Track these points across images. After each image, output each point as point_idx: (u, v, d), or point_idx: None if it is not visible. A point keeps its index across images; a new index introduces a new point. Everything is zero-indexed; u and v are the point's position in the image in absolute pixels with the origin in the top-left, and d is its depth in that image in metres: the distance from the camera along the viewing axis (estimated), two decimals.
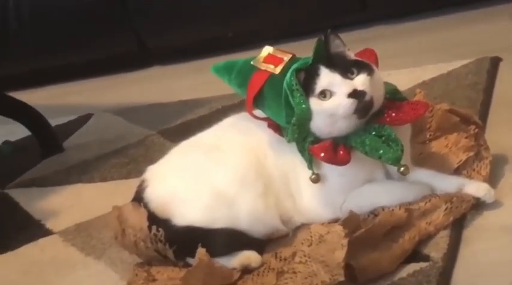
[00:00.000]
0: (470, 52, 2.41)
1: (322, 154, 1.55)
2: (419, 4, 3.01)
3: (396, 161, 1.53)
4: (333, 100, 1.54)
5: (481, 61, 2.30)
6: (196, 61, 3.22)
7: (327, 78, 1.55)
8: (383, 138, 1.54)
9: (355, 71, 1.55)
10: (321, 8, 3.08)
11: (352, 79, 1.55)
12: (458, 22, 2.82)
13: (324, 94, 1.55)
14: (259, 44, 2.94)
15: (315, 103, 1.55)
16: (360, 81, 1.54)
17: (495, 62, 2.29)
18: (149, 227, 1.62)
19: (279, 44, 2.95)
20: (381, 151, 1.53)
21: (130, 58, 3.37)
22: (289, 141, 1.61)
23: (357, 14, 3.07)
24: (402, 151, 1.52)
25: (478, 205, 1.58)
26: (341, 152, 1.55)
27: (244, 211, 1.61)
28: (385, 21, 3.02)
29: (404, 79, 2.30)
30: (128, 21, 3.24)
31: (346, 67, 1.55)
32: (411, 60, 2.53)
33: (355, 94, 1.52)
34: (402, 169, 1.54)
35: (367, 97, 1.53)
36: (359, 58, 1.61)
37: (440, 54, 2.53)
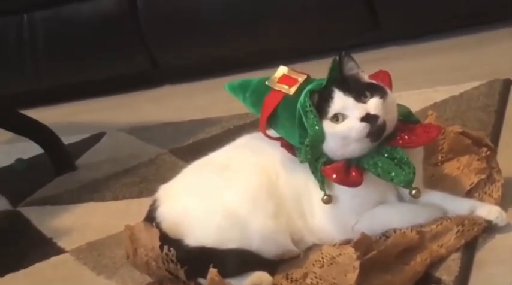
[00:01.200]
0: (482, 74, 2.41)
1: (334, 176, 1.56)
2: (431, 25, 3.01)
3: (408, 184, 1.54)
4: (346, 124, 1.55)
5: (492, 83, 2.30)
6: (207, 80, 3.23)
7: (340, 101, 1.56)
8: (395, 161, 1.55)
9: (368, 94, 1.56)
10: (333, 27, 3.08)
11: (365, 102, 1.55)
12: (470, 43, 2.82)
13: (336, 118, 1.56)
14: (270, 64, 2.97)
15: (328, 125, 1.56)
16: (373, 104, 1.55)
17: (507, 84, 2.28)
18: (161, 247, 1.63)
19: (290, 63, 2.94)
20: (393, 174, 1.54)
21: (143, 77, 3.38)
22: (301, 161, 1.62)
23: (369, 34, 3.07)
24: (414, 174, 1.53)
25: (489, 228, 1.58)
26: (353, 173, 1.56)
27: (256, 232, 1.62)
28: (397, 42, 3.02)
29: (415, 100, 2.30)
30: (140, 40, 3.25)
31: (359, 91, 1.56)
32: (423, 81, 2.53)
33: (367, 118, 1.53)
34: (414, 192, 1.55)
35: (379, 121, 1.54)
36: (373, 81, 1.61)
37: (452, 76, 2.53)
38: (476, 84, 2.34)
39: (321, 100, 1.58)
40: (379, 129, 1.54)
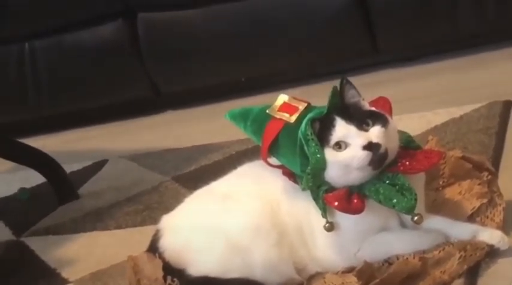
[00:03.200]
0: (482, 95, 2.41)
1: (336, 203, 1.56)
2: (430, 47, 3.02)
3: (410, 211, 1.54)
4: (348, 152, 1.55)
5: (492, 105, 2.31)
6: (209, 105, 3.24)
7: (342, 129, 1.56)
8: (397, 187, 1.55)
9: (370, 122, 1.56)
10: (332, 51, 3.10)
11: (367, 130, 1.56)
12: (469, 65, 2.83)
13: (339, 146, 1.56)
14: (271, 88, 3.02)
15: (329, 154, 1.56)
16: (375, 133, 1.55)
17: (507, 106, 2.29)
18: (164, 278, 1.63)
19: (291, 87, 3.02)
20: (395, 200, 1.54)
21: (144, 103, 3.38)
22: (303, 189, 1.62)
23: (368, 58, 3.08)
24: (416, 200, 1.53)
25: (492, 253, 1.57)
26: (355, 200, 1.56)
27: (259, 261, 1.61)
28: (396, 64, 3.03)
29: (415, 124, 2.32)
30: (141, 67, 3.26)
31: (361, 119, 1.57)
32: (422, 104, 2.53)
33: (370, 146, 1.54)
34: (416, 218, 1.55)
35: (381, 150, 1.54)
36: (374, 109, 1.62)
37: (452, 98, 2.54)
38: (476, 106, 2.34)
39: (322, 128, 1.58)
40: (381, 157, 1.55)
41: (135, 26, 3.23)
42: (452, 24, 2.91)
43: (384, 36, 3.00)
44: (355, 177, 1.57)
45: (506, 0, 2.81)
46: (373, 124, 1.56)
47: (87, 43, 3.30)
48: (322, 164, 1.57)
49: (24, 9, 3.27)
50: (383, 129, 1.56)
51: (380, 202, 1.56)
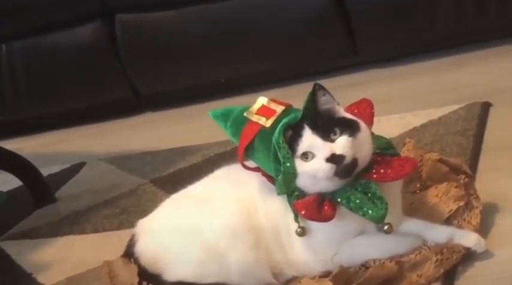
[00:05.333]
0: (461, 96, 2.42)
1: (303, 212, 1.55)
2: (409, 48, 3.02)
3: (380, 220, 1.53)
4: (313, 163, 1.54)
5: (471, 106, 2.31)
6: (188, 107, 3.23)
7: (308, 140, 1.55)
8: (369, 195, 1.54)
9: (338, 132, 1.55)
10: (312, 52, 3.09)
11: (333, 141, 1.54)
12: (449, 66, 2.83)
13: (306, 156, 1.55)
14: (251, 89, 3.01)
15: (298, 163, 1.56)
16: (341, 144, 1.54)
17: (485, 108, 2.29)
18: (139, 283, 1.62)
19: (271, 88, 3.01)
20: (365, 209, 1.53)
21: (123, 105, 3.37)
22: (278, 194, 1.61)
23: (348, 59, 3.08)
24: (386, 209, 1.52)
25: (469, 255, 1.57)
26: (326, 207, 1.55)
27: (235, 265, 1.61)
28: (376, 65, 3.03)
29: (395, 125, 2.32)
30: (119, 68, 3.24)
31: (329, 128, 1.55)
32: (402, 105, 2.53)
33: (332, 159, 1.52)
34: (386, 227, 1.54)
35: (346, 161, 1.52)
36: (346, 116, 1.60)
37: (431, 99, 2.54)
38: (455, 107, 2.34)
39: (293, 137, 1.57)
40: (347, 168, 1.53)
41: (113, 27, 3.21)
42: (431, 25, 2.91)
43: (363, 37, 3.00)
44: (323, 186, 1.56)
45: (484, 1, 2.81)
46: (341, 134, 1.55)
47: (65, 44, 3.28)
48: (292, 173, 1.56)
49: (1, 10, 3.24)
50: (350, 139, 1.54)
51: (351, 209, 1.55)
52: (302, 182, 1.57)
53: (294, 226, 1.60)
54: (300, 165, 1.55)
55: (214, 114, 1.74)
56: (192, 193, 1.76)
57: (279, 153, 1.57)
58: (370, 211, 1.52)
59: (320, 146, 1.54)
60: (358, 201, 1.53)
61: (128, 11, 3.20)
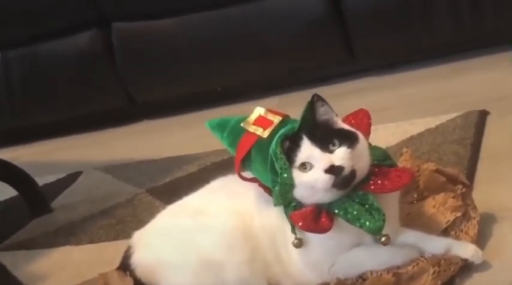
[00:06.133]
0: (458, 104, 2.41)
1: (300, 223, 1.54)
2: (406, 56, 3.02)
3: (377, 231, 1.52)
4: (312, 174, 1.53)
5: (468, 115, 2.30)
6: (185, 115, 3.23)
7: (307, 150, 1.54)
8: (366, 206, 1.53)
9: (336, 143, 1.54)
10: (309, 60, 3.08)
11: (332, 152, 1.53)
12: (446, 73, 2.83)
13: (305, 166, 1.54)
14: (248, 97, 3.01)
15: (296, 174, 1.55)
16: (340, 155, 1.53)
17: (483, 116, 2.29)
18: None
19: (268, 97, 3.00)
20: (362, 220, 1.52)
21: (119, 113, 3.36)
22: (275, 205, 1.60)
23: (345, 66, 3.07)
24: (384, 221, 1.51)
25: (466, 267, 1.57)
26: (323, 219, 1.54)
27: (232, 277, 1.60)
28: (373, 73, 3.03)
29: (392, 133, 2.32)
30: (115, 76, 3.24)
31: (328, 139, 1.54)
32: (399, 113, 2.52)
33: (331, 170, 1.51)
34: (383, 239, 1.54)
35: (345, 172, 1.52)
36: (345, 127, 1.59)
37: (428, 107, 2.53)
38: (452, 115, 2.34)
39: (290, 148, 1.56)
40: (346, 179, 1.52)
41: (109, 35, 3.21)
42: (428, 32, 2.91)
43: (361, 44, 2.99)
44: (321, 197, 1.55)
45: (481, 9, 2.81)
46: (340, 145, 1.54)
47: (61, 52, 3.27)
48: (289, 184, 1.55)
49: None
50: (349, 150, 1.53)
51: (348, 221, 1.54)
52: (299, 193, 1.56)
53: (291, 237, 1.59)
54: (298, 176, 1.54)
55: (210, 124, 1.73)
56: (188, 204, 1.75)
57: (276, 164, 1.56)
58: (367, 223, 1.51)
59: (319, 157, 1.53)
60: (355, 212, 1.52)
61: (124, 19, 3.19)
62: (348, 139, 1.55)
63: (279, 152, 1.55)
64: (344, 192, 1.54)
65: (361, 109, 1.68)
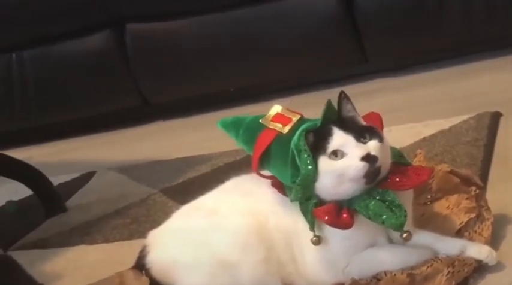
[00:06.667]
0: (471, 106, 2.42)
1: (326, 217, 1.54)
2: (419, 57, 3.03)
3: (399, 227, 1.53)
4: (345, 161, 1.54)
5: (481, 116, 2.31)
6: (198, 116, 3.24)
7: (340, 138, 1.55)
8: (386, 203, 1.54)
9: (367, 136, 1.56)
10: (321, 61, 3.09)
11: (364, 143, 1.55)
12: (459, 75, 2.83)
13: (335, 154, 1.55)
14: (261, 98, 3.02)
15: (325, 162, 1.55)
16: (373, 146, 1.54)
17: (496, 117, 2.29)
18: None
19: (280, 97, 3.01)
20: (384, 216, 1.53)
21: (132, 113, 3.38)
22: (292, 200, 1.61)
23: (357, 68, 3.08)
24: (405, 216, 1.52)
25: (480, 268, 1.57)
26: (344, 215, 1.55)
27: (246, 277, 1.61)
28: (385, 75, 3.03)
29: (405, 135, 2.32)
30: (129, 77, 3.25)
31: (359, 131, 1.56)
32: (412, 115, 2.53)
33: (367, 158, 1.52)
34: (405, 235, 1.55)
35: (378, 163, 1.53)
36: (370, 125, 1.61)
37: (441, 108, 2.54)
38: (465, 117, 2.34)
39: (317, 139, 1.56)
40: (376, 171, 1.54)
41: (123, 36, 3.22)
42: (440, 34, 2.91)
43: (373, 45, 3.00)
44: (346, 189, 1.55)
45: (493, 10, 2.81)
46: (370, 138, 1.56)
47: (75, 53, 3.29)
48: (312, 176, 1.56)
49: (12, 19, 3.26)
50: (379, 144, 1.55)
51: (369, 217, 1.55)
52: (324, 183, 1.56)
53: (307, 236, 1.60)
54: (328, 164, 1.55)
55: (223, 123, 1.75)
56: (203, 204, 1.76)
57: (297, 158, 1.57)
58: (389, 219, 1.52)
59: (353, 144, 1.54)
60: (376, 209, 1.53)
61: (137, 20, 3.20)
62: (377, 135, 1.57)
63: (303, 144, 1.56)
64: (366, 188, 1.55)
65: (372, 112, 1.69)
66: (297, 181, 1.57)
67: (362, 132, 1.56)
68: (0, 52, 3.36)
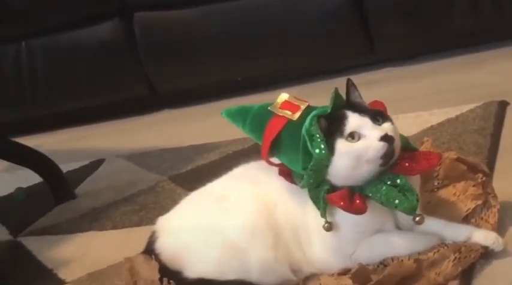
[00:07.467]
0: (478, 95, 2.42)
1: (342, 203, 1.55)
2: (426, 47, 3.03)
3: (412, 211, 1.55)
4: (364, 142, 1.55)
5: (488, 105, 2.31)
6: (205, 104, 3.25)
7: (357, 120, 1.56)
8: (398, 188, 1.55)
9: (380, 119, 1.57)
10: (329, 51, 3.10)
11: (380, 125, 1.57)
12: (466, 64, 2.83)
13: (352, 136, 1.56)
14: (268, 88, 3.03)
15: (343, 144, 1.56)
16: (388, 127, 1.56)
17: (503, 106, 2.30)
18: (161, 280, 1.63)
19: (287, 86, 3.02)
20: (397, 201, 1.54)
21: (141, 102, 3.39)
22: (302, 187, 1.62)
23: (365, 57, 3.09)
24: (418, 200, 1.54)
25: (486, 254, 1.59)
26: (357, 201, 1.56)
27: (255, 263, 1.62)
28: (392, 64, 3.04)
29: (412, 123, 2.32)
30: (137, 66, 3.27)
31: (372, 114, 1.58)
32: (418, 104, 2.54)
33: (386, 138, 1.54)
34: (418, 218, 1.56)
35: (395, 144, 1.55)
36: (379, 109, 1.62)
37: (448, 97, 2.54)
38: (472, 106, 2.35)
39: (331, 123, 1.58)
40: (392, 153, 1.55)
41: (131, 25, 3.23)
42: (448, 23, 2.91)
43: (380, 35, 3.00)
44: (362, 172, 1.56)
45: (501, 0, 2.81)
46: (383, 121, 1.58)
47: (84, 42, 3.30)
48: (326, 160, 1.57)
49: (21, 8, 3.27)
50: (393, 126, 1.57)
51: (382, 203, 1.56)
52: (340, 166, 1.56)
53: (315, 223, 1.61)
54: (347, 146, 1.56)
55: (228, 112, 1.76)
56: (212, 190, 1.77)
57: (308, 144, 1.58)
58: (402, 203, 1.54)
59: (370, 126, 1.55)
60: (389, 194, 1.55)
61: (146, 9, 3.21)
62: (388, 118, 1.59)
63: (315, 130, 1.57)
64: (380, 170, 1.56)
65: (376, 100, 1.70)
66: (309, 166, 1.58)
67: (375, 115, 1.58)
68: (10, 41, 3.39)
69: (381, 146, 1.54)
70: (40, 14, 3.28)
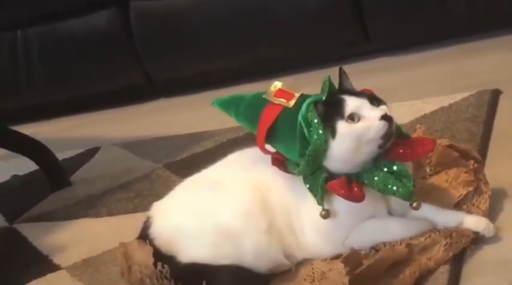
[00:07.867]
0: (471, 84, 2.43)
1: (343, 191, 1.56)
2: (420, 36, 3.04)
3: (410, 197, 1.56)
4: (364, 122, 1.57)
5: (481, 94, 2.33)
6: (201, 93, 3.25)
7: (355, 102, 1.58)
8: (395, 174, 1.57)
9: (375, 103, 1.59)
10: (324, 40, 3.11)
11: (377, 106, 1.59)
12: (459, 53, 2.84)
13: (352, 118, 1.57)
14: (263, 77, 3.03)
15: (344, 126, 1.57)
16: (385, 109, 1.58)
17: (495, 95, 2.31)
18: (155, 264, 1.64)
19: (283, 76, 3.03)
20: (395, 188, 1.56)
21: (137, 91, 3.40)
22: (298, 174, 1.63)
23: (359, 46, 3.09)
24: (414, 186, 1.56)
25: (477, 240, 1.60)
26: (355, 189, 1.57)
27: (249, 248, 1.63)
28: (387, 54, 3.05)
29: (405, 112, 2.33)
30: (133, 54, 3.28)
31: (369, 97, 1.59)
32: (412, 93, 2.55)
33: (386, 117, 1.56)
34: (415, 204, 1.58)
35: (393, 124, 1.57)
36: (374, 94, 1.64)
37: (441, 86, 2.55)
38: (465, 94, 2.36)
39: (329, 108, 1.59)
40: (392, 133, 1.57)
41: (127, 14, 3.24)
42: (442, 13, 2.92)
43: (375, 25, 3.01)
44: (362, 154, 1.57)
45: None
46: (379, 104, 1.59)
47: (80, 31, 3.32)
48: (324, 144, 1.58)
49: None
50: (389, 109, 1.59)
51: (379, 190, 1.57)
52: (340, 149, 1.57)
53: (307, 209, 1.63)
54: (348, 127, 1.57)
55: (219, 102, 1.76)
56: (206, 176, 1.78)
57: (305, 130, 1.59)
58: (399, 189, 1.55)
59: (369, 107, 1.57)
60: (385, 180, 1.56)
61: None
62: (383, 101, 1.61)
63: (313, 115, 1.58)
64: (377, 153, 1.58)
65: (366, 88, 1.69)
66: (307, 152, 1.58)
67: (371, 98, 1.60)
68: (6, 29, 3.41)
69: (382, 125, 1.56)
70: (36, 3, 3.29)
